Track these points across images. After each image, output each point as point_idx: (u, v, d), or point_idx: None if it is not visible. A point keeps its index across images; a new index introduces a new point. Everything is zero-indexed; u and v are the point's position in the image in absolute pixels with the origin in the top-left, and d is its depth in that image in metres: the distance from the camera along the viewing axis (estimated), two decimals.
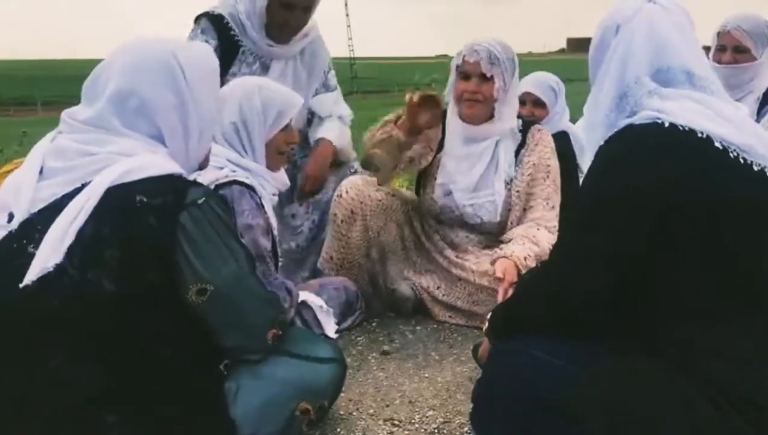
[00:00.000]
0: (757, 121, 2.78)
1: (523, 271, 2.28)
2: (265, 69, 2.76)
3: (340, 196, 2.65)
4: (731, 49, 2.90)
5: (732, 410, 1.25)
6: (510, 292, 2.14)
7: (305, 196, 2.86)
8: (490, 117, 2.57)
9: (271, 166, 2.12)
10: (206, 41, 2.64)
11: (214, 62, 1.63)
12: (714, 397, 1.26)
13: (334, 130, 2.92)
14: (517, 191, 2.58)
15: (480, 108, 2.55)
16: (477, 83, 2.51)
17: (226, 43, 2.69)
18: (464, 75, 2.54)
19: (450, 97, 2.61)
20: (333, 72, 3.07)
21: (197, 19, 2.73)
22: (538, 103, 3.15)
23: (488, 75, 2.49)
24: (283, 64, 2.82)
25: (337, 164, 2.92)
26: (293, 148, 2.36)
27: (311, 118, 2.97)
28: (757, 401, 1.26)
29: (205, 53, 1.60)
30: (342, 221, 2.64)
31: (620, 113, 1.43)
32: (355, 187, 2.66)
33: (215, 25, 2.69)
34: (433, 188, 2.65)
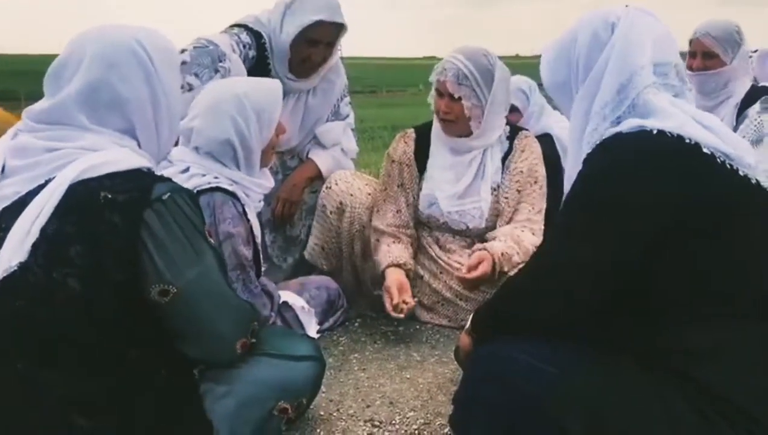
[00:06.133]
0: (736, 126, 2.81)
1: (498, 267, 2.34)
2: None
3: (329, 187, 2.69)
4: (701, 55, 2.96)
5: (721, 419, 1.23)
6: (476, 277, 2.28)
7: (278, 224, 2.83)
8: (470, 132, 2.54)
9: (264, 163, 2.11)
10: (247, 53, 2.63)
11: (175, 48, 1.59)
12: (702, 408, 1.24)
13: (328, 158, 2.88)
14: (506, 198, 2.57)
15: (454, 127, 2.53)
16: (447, 102, 2.48)
17: (261, 61, 2.68)
18: (438, 92, 2.52)
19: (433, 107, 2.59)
20: (347, 99, 3.03)
21: (236, 27, 2.68)
22: (510, 108, 3.16)
23: (455, 96, 2.45)
24: (297, 97, 2.80)
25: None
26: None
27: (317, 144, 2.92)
28: (748, 410, 1.24)
29: (166, 38, 1.54)
30: (331, 212, 2.66)
31: (618, 106, 1.41)
32: (344, 180, 2.70)
33: (255, 41, 2.66)
34: (419, 198, 2.65)
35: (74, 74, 1.41)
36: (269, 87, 2.09)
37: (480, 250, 2.40)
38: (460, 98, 2.45)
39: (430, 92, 2.59)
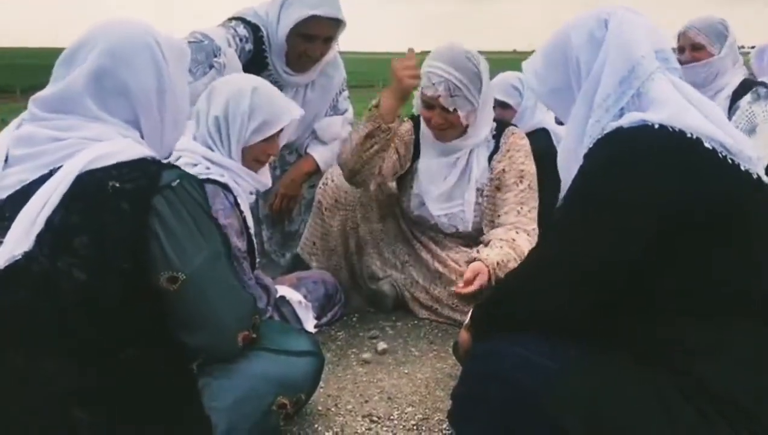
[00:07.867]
0: (728, 118, 2.84)
1: (494, 278, 2.26)
2: None
3: (326, 184, 2.68)
4: (689, 48, 3.10)
5: (720, 418, 1.23)
6: (472, 292, 2.20)
7: (275, 219, 2.83)
8: (464, 132, 2.52)
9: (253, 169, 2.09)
10: (243, 47, 2.61)
11: (186, 47, 1.59)
12: (701, 406, 1.24)
13: (326, 152, 2.86)
14: (486, 196, 2.54)
15: (449, 133, 2.50)
16: (441, 114, 2.43)
17: (258, 55, 2.66)
18: (427, 104, 2.45)
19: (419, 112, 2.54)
20: (346, 93, 3.02)
21: (233, 20, 2.66)
22: (503, 105, 3.14)
23: (450, 109, 2.39)
24: (295, 91, 2.79)
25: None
26: (274, 158, 2.26)
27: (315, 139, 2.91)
28: (748, 409, 1.23)
29: (177, 37, 1.55)
30: (326, 209, 2.66)
31: (620, 97, 1.40)
32: (340, 176, 2.66)
33: (253, 34, 2.64)
34: (410, 198, 2.64)
35: (85, 60, 1.41)
36: (283, 101, 2.05)
37: (474, 260, 2.33)
38: (455, 109, 2.40)
39: (415, 101, 2.52)
